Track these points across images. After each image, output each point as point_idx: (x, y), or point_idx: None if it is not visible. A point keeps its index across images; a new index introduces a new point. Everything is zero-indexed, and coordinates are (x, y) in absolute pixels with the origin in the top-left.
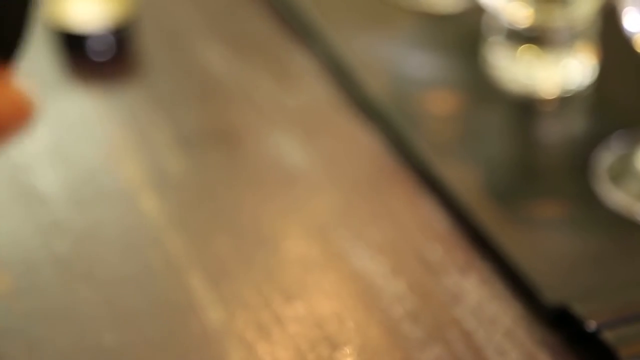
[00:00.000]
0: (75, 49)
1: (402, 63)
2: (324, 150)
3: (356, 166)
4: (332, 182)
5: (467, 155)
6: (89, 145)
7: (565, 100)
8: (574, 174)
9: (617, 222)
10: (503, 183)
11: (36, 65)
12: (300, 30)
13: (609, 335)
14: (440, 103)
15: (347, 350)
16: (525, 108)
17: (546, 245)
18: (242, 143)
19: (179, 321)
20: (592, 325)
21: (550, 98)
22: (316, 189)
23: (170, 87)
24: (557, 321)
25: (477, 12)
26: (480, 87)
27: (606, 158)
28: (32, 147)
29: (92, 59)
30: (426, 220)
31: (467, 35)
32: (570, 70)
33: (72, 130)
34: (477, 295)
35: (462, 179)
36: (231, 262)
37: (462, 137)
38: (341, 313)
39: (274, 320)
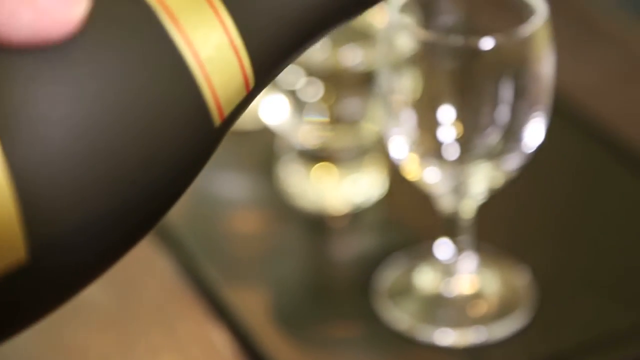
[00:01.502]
0: None
1: (196, 182)
2: (115, 275)
3: (148, 292)
4: (123, 311)
5: (258, 277)
6: None
7: (355, 218)
8: (359, 293)
9: (398, 341)
10: (291, 305)
11: None
12: None
13: None
14: (235, 223)
15: None
16: (317, 226)
17: None
18: None
19: None
20: None
21: (340, 216)
22: (105, 319)
23: None
24: None
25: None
26: (274, 206)
27: (388, 277)
28: None
29: None
30: (213, 346)
31: (263, 153)
32: (359, 188)
33: None
34: None
35: (250, 302)
36: None
37: (254, 258)
38: None
39: None
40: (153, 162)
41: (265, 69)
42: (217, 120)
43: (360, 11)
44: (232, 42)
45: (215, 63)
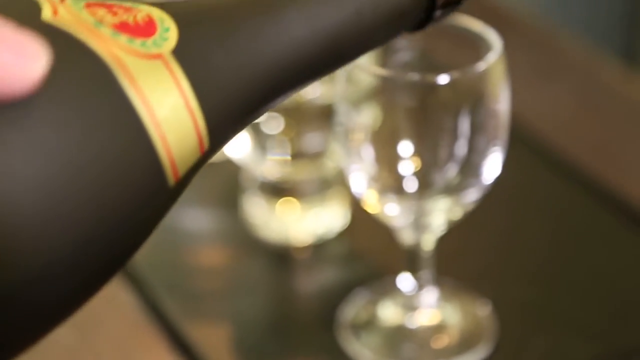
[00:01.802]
0: None
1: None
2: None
3: (110, 327)
4: (84, 346)
5: (220, 311)
6: None
7: (318, 250)
8: (323, 326)
9: None
10: (253, 339)
11: None
12: None
13: None
14: (197, 256)
15: None
16: (280, 259)
17: None
18: None
19: None
20: None
21: (304, 248)
22: (66, 355)
23: None
24: None
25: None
26: (238, 239)
27: (351, 310)
28: None
29: None
30: None
31: (227, 184)
32: (322, 221)
33: None
34: None
35: (212, 336)
36: None
37: (217, 292)
38: None
39: None
40: (108, 217)
41: (220, 131)
42: (171, 179)
43: (313, 80)
44: (187, 103)
45: (171, 124)
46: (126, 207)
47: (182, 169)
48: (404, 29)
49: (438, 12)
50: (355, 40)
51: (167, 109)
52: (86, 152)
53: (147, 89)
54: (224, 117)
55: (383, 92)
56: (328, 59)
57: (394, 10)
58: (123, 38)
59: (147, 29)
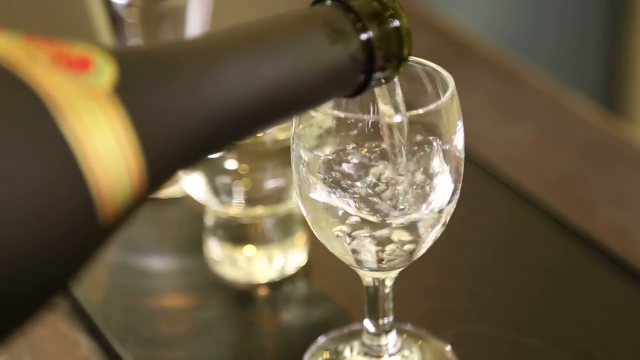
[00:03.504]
0: None
1: (115, 253)
2: (34, 352)
3: None
4: None
5: (181, 353)
6: None
7: (281, 290)
8: None
9: None
10: None
11: None
12: None
13: None
14: (158, 298)
15: None
16: (243, 298)
17: None
18: None
19: None
20: None
21: (265, 288)
22: None
23: None
24: None
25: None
26: (197, 278)
27: (315, 358)
28: None
29: None
30: None
31: (188, 221)
32: (284, 260)
33: None
34: None
35: None
36: None
37: (178, 333)
38: None
39: None
40: (37, 249)
41: (159, 171)
42: (102, 212)
43: (258, 129)
44: (125, 141)
45: (106, 162)
46: (56, 238)
47: (114, 203)
48: (344, 90)
49: (377, 75)
50: (293, 97)
51: (103, 146)
52: (16, 189)
53: (79, 122)
54: (162, 154)
55: (338, 131)
56: (268, 112)
57: (332, 70)
58: (59, 72)
59: (83, 63)
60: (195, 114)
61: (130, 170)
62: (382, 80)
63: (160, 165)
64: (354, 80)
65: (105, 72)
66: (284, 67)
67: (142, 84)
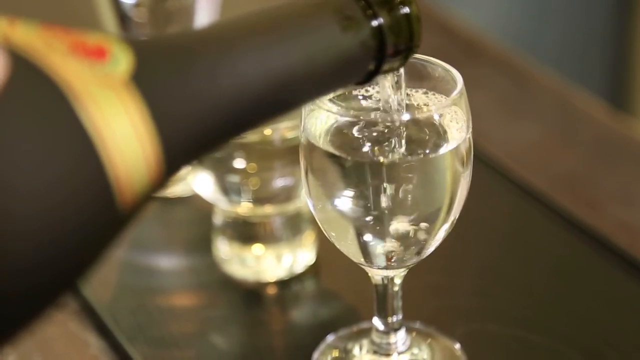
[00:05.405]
0: None
1: (123, 253)
2: (43, 351)
3: None
4: None
5: (191, 352)
6: None
7: (290, 289)
8: None
9: None
10: None
11: None
12: None
13: None
14: (167, 297)
15: None
16: (252, 296)
17: None
18: None
19: None
20: None
21: (274, 287)
22: None
23: None
24: None
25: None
26: (206, 277)
27: (324, 356)
28: None
29: None
30: None
31: (197, 220)
32: (292, 259)
33: None
34: None
35: None
36: None
37: (187, 332)
38: None
39: None
40: (52, 232)
41: (175, 158)
42: (121, 204)
43: (269, 118)
44: (142, 128)
45: (124, 149)
46: (75, 225)
47: (132, 190)
48: (354, 77)
49: (387, 62)
50: (305, 84)
51: (116, 130)
52: (33, 171)
53: (97, 110)
54: (178, 142)
55: (340, 131)
56: (280, 99)
57: (343, 56)
58: (76, 60)
59: (100, 52)
60: (211, 101)
61: (147, 157)
62: (392, 68)
63: (176, 152)
64: (364, 68)
65: (122, 61)
66: (297, 54)
67: (158, 73)
